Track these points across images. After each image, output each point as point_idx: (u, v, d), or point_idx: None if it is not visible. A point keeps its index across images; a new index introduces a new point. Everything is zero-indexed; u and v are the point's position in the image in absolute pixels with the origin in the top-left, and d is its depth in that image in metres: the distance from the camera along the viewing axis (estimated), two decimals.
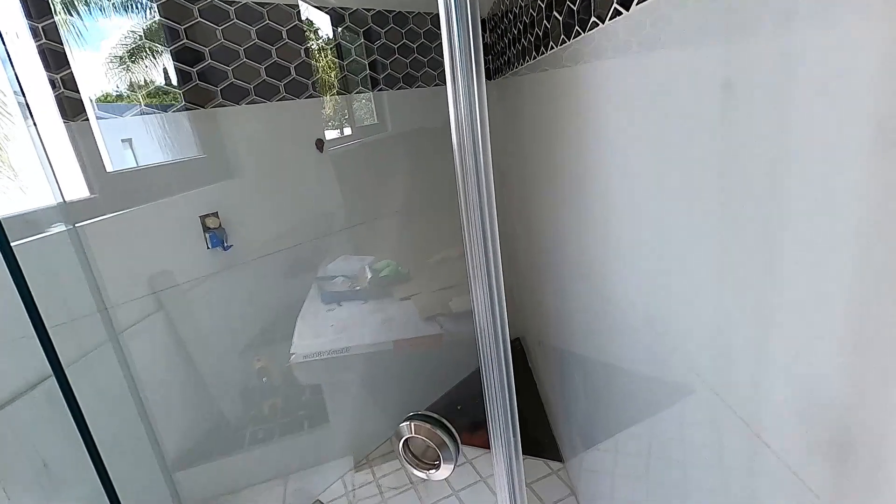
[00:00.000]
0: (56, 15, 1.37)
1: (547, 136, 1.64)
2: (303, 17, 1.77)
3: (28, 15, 1.32)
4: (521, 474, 0.88)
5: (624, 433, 1.21)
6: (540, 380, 2.40)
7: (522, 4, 1.68)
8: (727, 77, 0.56)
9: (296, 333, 2.02)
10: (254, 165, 1.72)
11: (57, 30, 1.36)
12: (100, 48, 1.54)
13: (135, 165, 1.62)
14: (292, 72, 1.72)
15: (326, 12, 1.92)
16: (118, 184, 1.53)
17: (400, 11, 2.06)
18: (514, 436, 0.84)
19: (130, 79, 1.52)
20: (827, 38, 0.42)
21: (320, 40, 1.90)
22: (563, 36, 1.26)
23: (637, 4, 0.77)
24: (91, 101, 1.44)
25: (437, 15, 0.59)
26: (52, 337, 1.28)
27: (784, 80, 0.48)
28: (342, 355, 2.00)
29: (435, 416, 1.00)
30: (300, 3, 1.76)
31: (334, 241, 2.00)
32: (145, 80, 1.53)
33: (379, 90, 2.04)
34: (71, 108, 1.39)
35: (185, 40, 1.52)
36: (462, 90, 0.60)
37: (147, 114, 1.52)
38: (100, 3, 1.50)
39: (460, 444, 0.99)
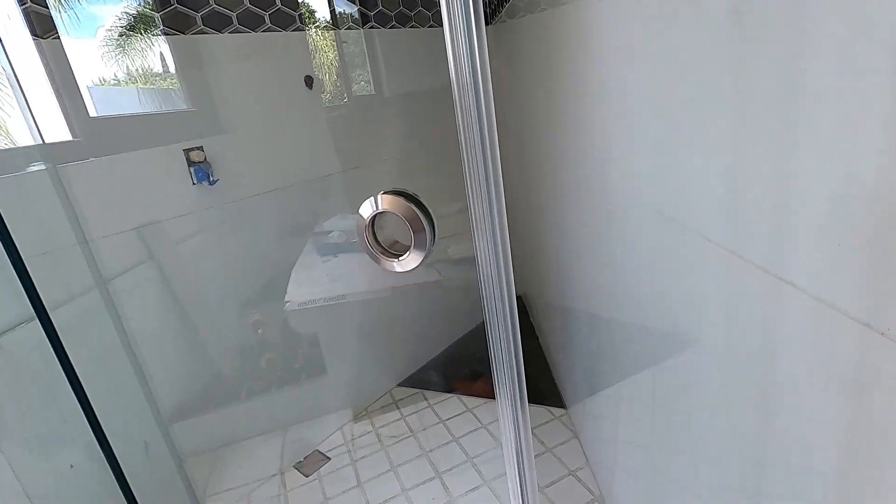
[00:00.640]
0: None
1: (546, 81, 1.56)
2: None
3: None
4: (526, 419, 0.85)
5: (629, 374, 1.17)
6: (542, 333, 2.36)
7: None
8: None
9: (291, 283, 1.97)
10: (240, 102, 1.64)
11: None
12: None
13: (120, 112, 1.56)
14: (277, 1, 1.63)
15: None
16: (103, 129, 1.47)
17: None
18: (519, 377, 0.81)
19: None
20: None
21: None
22: None
23: None
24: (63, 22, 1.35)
25: None
26: (32, 276, 1.23)
27: None
28: (338, 303, 1.95)
29: (409, 191, 0.90)
30: None
31: (328, 184, 1.93)
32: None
33: (370, 27, 1.95)
34: (40, 24, 1.31)
35: None
36: (462, 35, 0.55)
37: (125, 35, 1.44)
38: None
39: (436, 229, 0.88)
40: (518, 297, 2.82)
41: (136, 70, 1.53)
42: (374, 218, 0.89)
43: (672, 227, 0.79)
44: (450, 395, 2.13)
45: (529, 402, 2.04)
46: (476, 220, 0.65)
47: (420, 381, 2.27)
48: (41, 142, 1.43)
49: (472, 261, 0.70)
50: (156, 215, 1.48)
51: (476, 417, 1.96)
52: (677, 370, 0.86)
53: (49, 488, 1.31)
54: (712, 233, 0.66)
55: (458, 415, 2.00)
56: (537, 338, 2.43)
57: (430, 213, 0.88)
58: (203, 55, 1.53)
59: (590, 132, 1.20)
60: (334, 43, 1.93)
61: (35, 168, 1.42)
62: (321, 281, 1.99)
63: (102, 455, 1.40)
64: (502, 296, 0.73)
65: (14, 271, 1.22)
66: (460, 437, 1.88)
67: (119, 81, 1.56)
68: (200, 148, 1.47)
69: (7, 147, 1.39)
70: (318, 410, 2.05)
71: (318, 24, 1.82)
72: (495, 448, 1.78)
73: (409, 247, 0.88)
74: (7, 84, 1.39)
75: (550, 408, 1.95)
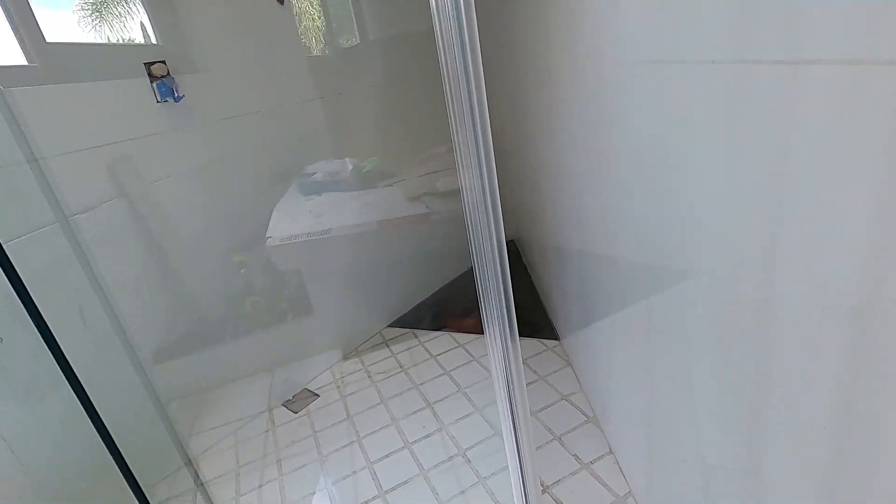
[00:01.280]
0: None
1: (543, 25, 1.45)
2: None
3: None
4: (516, 343, 0.81)
5: (626, 301, 1.11)
6: (535, 273, 2.31)
7: None
8: None
9: (272, 220, 1.89)
10: (211, 29, 1.53)
11: None
12: None
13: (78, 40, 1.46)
14: None
15: None
16: (61, 55, 1.37)
17: None
18: (507, 300, 0.76)
19: None
20: None
21: None
22: None
23: None
24: None
25: None
26: None
27: None
28: (323, 237, 1.88)
29: None
30: None
31: (306, 112, 1.84)
32: None
33: None
34: None
35: None
36: None
37: None
38: None
39: None
40: (511, 241, 2.81)
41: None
42: None
43: (671, 80, 0.72)
44: (441, 332, 2.08)
45: (522, 335, 2.00)
46: (461, 153, 0.63)
47: (411, 321, 2.22)
48: None
49: (459, 192, 0.68)
50: (117, 136, 1.38)
51: (468, 352, 1.92)
52: (675, 296, 0.83)
53: (28, 434, 1.27)
54: (718, 52, 0.59)
55: (449, 350, 1.96)
56: (530, 276, 2.38)
57: None
58: None
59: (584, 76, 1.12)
60: None
61: None
62: (304, 217, 1.92)
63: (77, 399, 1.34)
64: (488, 222, 0.70)
65: None
66: (451, 371, 1.84)
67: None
68: (163, 62, 1.37)
69: None
70: (307, 351, 2.01)
71: None
72: (486, 378, 1.75)
73: None
74: None
75: (543, 340, 1.91)
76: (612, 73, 0.97)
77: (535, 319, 2.06)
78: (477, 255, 0.74)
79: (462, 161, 0.65)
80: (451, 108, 0.61)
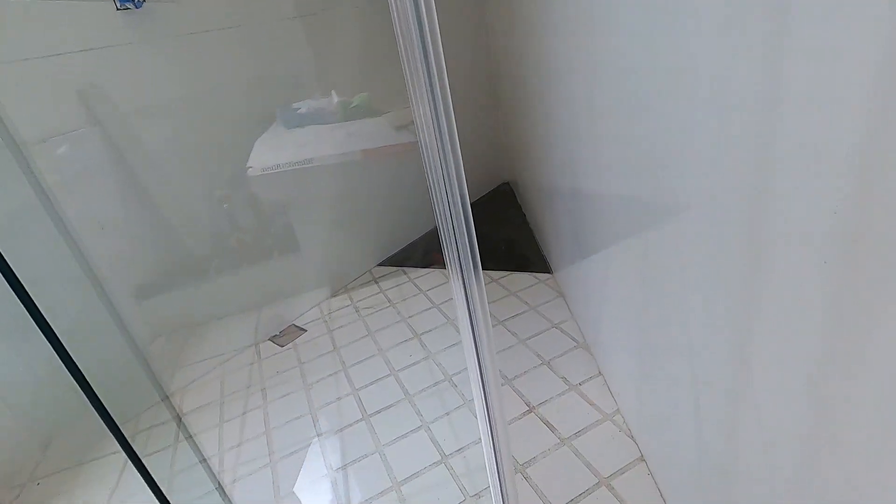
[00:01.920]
0: None
1: None
2: None
3: None
4: (480, 279, 0.73)
5: (620, 232, 1.05)
6: (530, 212, 2.24)
7: None
8: None
9: (253, 150, 1.81)
10: None
11: None
12: None
13: None
14: None
15: None
16: None
17: None
18: (472, 249, 0.68)
19: None
20: None
21: None
22: None
23: None
24: None
25: None
26: None
27: None
28: (305, 167, 1.80)
29: None
30: None
31: (288, 35, 1.73)
32: None
33: None
34: None
35: None
36: None
37: None
38: None
39: None
40: (506, 183, 2.73)
41: None
42: None
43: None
44: (431, 269, 2.03)
45: (516, 270, 1.93)
46: (412, 84, 0.57)
47: (401, 260, 2.17)
48: None
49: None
50: (72, 46, 1.29)
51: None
52: (670, 227, 0.81)
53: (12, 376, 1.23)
54: None
55: (440, 285, 1.91)
56: (524, 216, 2.31)
57: None
58: None
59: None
60: None
61: None
62: (286, 146, 1.84)
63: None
64: (444, 149, 0.62)
65: None
66: (441, 304, 1.79)
67: None
68: None
69: None
70: (295, 288, 1.96)
71: None
72: None
73: None
74: None
75: (535, 273, 1.85)
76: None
77: (527, 254, 2.00)
78: (435, 190, 0.67)
79: (413, 86, 0.58)
80: (397, 29, 0.54)
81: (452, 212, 0.67)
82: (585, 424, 1.18)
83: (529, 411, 1.24)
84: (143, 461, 1.12)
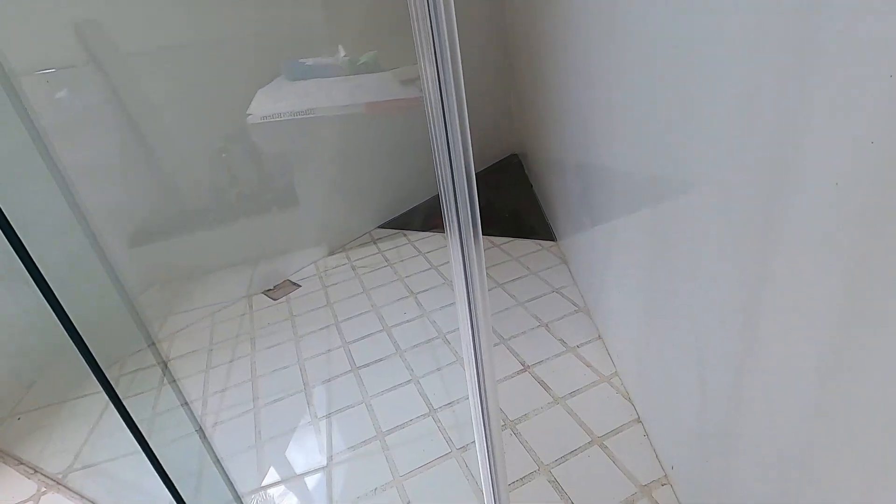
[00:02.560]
0: None
1: None
2: None
3: None
4: (480, 241, 0.68)
5: (628, 201, 0.98)
6: (538, 183, 2.18)
7: None
8: None
9: (255, 98, 1.76)
10: None
11: None
12: None
13: None
14: None
15: None
16: None
17: None
18: (472, 204, 0.63)
19: None
20: None
21: None
22: None
23: None
24: None
25: None
26: None
27: None
28: (307, 117, 1.75)
29: None
30: None
31: None
32: None
33: None
34: None
35: None
36: None
37: None
38: None
39: None
40: (515, 156, 2.67)
41: None
42: None
43: None
44: (432, 233, 1.98)
45: (519, 237, 1.87)
46: (419, 35, 0.51)
47: (402, 224, 2.11)
48: None
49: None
50: None
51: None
52: (682, 203, 0.78)
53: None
54: None
55: (438, 249, 1.86)
56: (531, 186, 2.25)
57: None
58: None
59: None
60: None
61: None
62: (289, 96, 1.78)
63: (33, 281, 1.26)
64: (449, 105, 0.56)
65: None
66: (440, 265, 1.74)
67: None
68: None
69: None
70: (292, 245, 1.92)
71: None
72: None
73: None
74: None
75: (539, 241, 1.79)
76: None
77: (532, 223, 1.94)
78: (436, 138, 0.62)
79: (419, 38, 0.53)
80: None
81: (454, 164, 0.62)
82: (581, 385, 1.13)
83: (524, 370, 1.19)
84: (124, 402, 1.08)
